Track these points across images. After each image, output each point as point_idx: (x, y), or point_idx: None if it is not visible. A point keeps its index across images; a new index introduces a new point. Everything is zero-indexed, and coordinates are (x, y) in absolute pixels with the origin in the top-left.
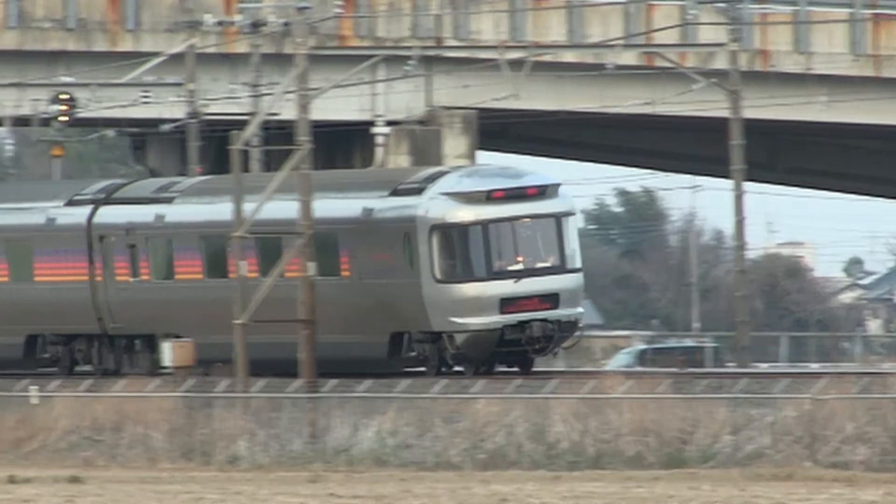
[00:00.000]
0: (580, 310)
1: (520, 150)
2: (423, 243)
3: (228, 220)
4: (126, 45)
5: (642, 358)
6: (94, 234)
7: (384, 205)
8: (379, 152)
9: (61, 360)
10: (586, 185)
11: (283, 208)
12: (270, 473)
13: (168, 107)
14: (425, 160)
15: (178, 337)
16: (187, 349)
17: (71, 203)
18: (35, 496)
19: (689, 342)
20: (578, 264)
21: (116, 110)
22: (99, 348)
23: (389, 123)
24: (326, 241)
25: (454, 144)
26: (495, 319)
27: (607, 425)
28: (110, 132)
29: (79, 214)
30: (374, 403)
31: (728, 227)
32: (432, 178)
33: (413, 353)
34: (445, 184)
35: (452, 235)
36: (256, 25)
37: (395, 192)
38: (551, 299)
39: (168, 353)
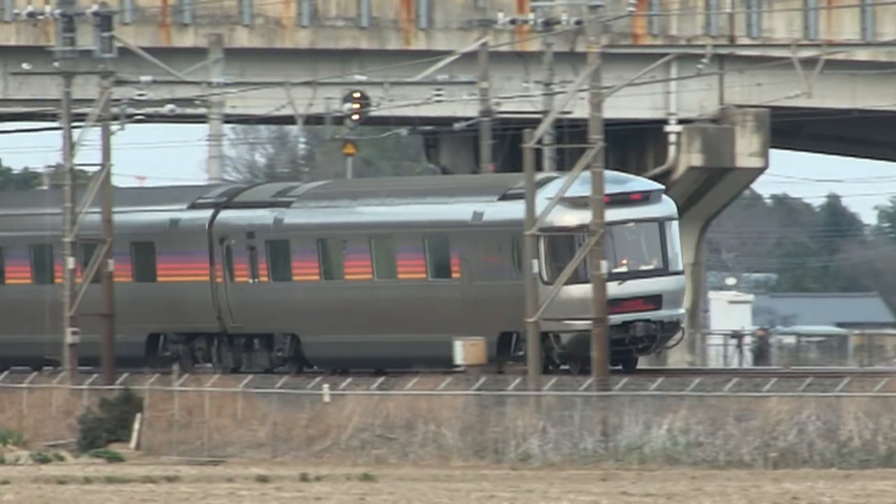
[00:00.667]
0: (682, 311)
1: (812, 148)
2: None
3: (344, 224)
4: (419, 44)
5: None
6: (215, 237)
7: (493, 209)
8: (671, 151)
9: (182, 358)
10: (883, 183)
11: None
12: (562, 471)
13: (461, 105)
14: (718, 159)
15: (294, 336)
16: (479, 347)
17: (194, 206)
18: (327, 494)
19: None
20: (681, 267)
21: (409, 108)
22: (218, 347)
23: (681, 122)
24: (438, 244)
25: (746, 143)
26: None
27: None
28: (403, 131)
29: (201, 217)
30: (665, 401)
31: None
32: (540, 184)
33: (521, 353)
34: (553, 189)
35: (559, 239)
36: (549, 24)
37: (504, 197)
38: (654, 300)
39: (459, 351)
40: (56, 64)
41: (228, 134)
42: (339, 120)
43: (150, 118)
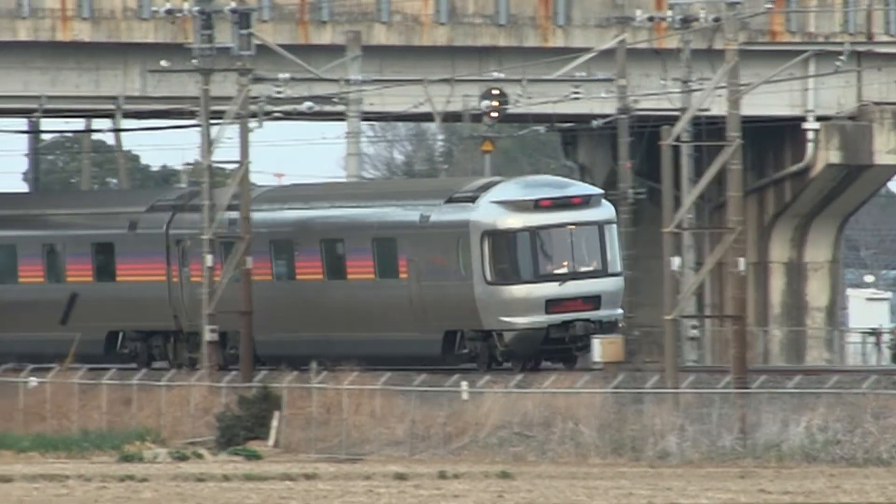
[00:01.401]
0: (620, 311)
1: None
2: (475, 248)
3: (295, 226)
4: (557, 41)
5: None
6: (172, 239)
7: (440, 212)
8: (809, 148)
9: (139, 356)
10: None
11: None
12: (700, 469)
13: (598, 102)
14: (856, 156)
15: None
16: (616, 345)
17: (152, 209)
18: (465, 491)
19: None
20: (619, 269)
21: (547, 106)
22: (174, 344)
23: (819, 119)
24: (386, 245)
25: (884, 140)
26: (541, 319)
27: None
28: (541, 128)
29: (159, 220)
30: (803, 399)
31: None
32: (485, 188)
33: (465, 350)
34: (497, 193)
35: (502, 240)
36: (687, 21)
37: (451, 200)
38: (593, 301)
39: (597, 348)
40: (194, 61)
41: (366, 131)
42: (476, 117)
43: (288, 115)
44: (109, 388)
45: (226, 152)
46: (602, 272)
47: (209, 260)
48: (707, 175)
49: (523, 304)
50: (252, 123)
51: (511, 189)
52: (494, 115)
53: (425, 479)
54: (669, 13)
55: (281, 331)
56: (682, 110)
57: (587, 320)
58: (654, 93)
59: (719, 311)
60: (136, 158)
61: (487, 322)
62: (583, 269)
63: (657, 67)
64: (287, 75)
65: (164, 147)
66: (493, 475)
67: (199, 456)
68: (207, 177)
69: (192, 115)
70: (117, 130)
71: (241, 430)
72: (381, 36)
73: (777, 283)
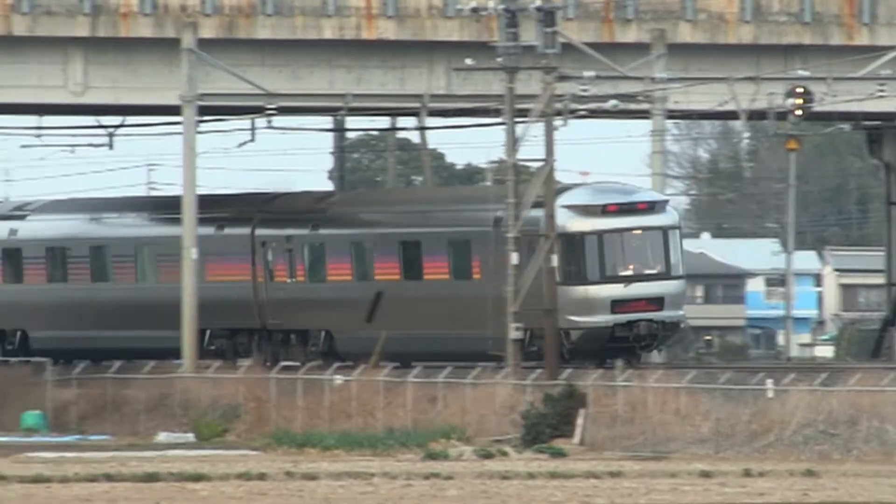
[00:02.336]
0: (682, 312)
1: None
2: (545, 250)
3: (374, 228)
4: (862, 39)
5: None
6: (257, 241)
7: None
8: None
9: (226, 352)
10: None
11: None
12: None
13: None
14: None
15: (328, 332)
16: None
17: (239, 215)
18: (770, 489)
19: None
20: (682, 272)
21: (852, 104)
22: (258, 341)
23: None
24: (460, 248)
25: None
26: (607, 318)
27: None
28: (846, 126)
29: (244, 223)
30: None
31: None
32: (558, 192)
33: (534, 348)
34: (567, 198)
35: (571, 243)
36: None
37: None
38: (657, 302)
39: None
40: (499, 59)
41: (671, 129)
42: (782, 115)
43: (592, 114)
44: (414, 386)
45: (530, 150)
46: (665, 275)
47: (514, 258)
48: None
49: (590, 303)
50: (557, 122)
51: (580, 194)
52: (799, 113)
53: (730, 476)
54: None
55: (358, 329)
56: None
57: (650, 320)
58: None
59: None
60: (440, 156)
61: (556, 320)
62: (647, 271)
63: None
64: (592, 73)
65: (469, 145)
66: (797, 473)
67: (504, 454)
68: (512, 175)
69: (496, 113)
70: (422, 129)
71: (546, 428)
72: (686, 34)
73: None
